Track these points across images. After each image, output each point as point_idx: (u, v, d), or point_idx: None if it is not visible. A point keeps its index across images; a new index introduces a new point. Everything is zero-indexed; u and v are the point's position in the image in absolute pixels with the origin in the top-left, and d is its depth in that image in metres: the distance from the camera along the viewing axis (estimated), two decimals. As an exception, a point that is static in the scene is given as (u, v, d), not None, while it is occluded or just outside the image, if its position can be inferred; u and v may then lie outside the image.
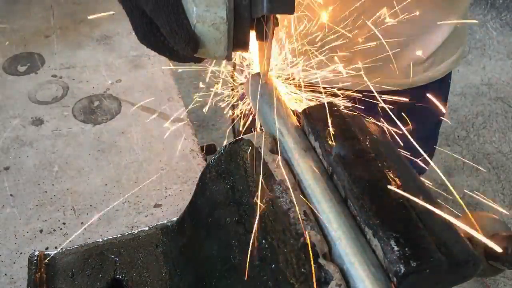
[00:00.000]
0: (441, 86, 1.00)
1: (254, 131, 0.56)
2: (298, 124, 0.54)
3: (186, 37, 0.48)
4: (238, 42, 0.51)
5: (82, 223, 0.82)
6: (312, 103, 0.66)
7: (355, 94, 0.85)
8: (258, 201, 0.48)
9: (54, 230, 0.80)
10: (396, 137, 0.67)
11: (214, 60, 0.72)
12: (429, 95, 0.93)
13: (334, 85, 0.85)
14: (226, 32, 0.49)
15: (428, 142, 1.12)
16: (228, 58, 0.52)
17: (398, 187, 0.44)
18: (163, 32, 0.49)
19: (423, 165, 0.73)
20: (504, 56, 2.92)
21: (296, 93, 0.68)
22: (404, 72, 0.91)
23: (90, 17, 1.34)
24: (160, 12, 0.47)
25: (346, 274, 0.40)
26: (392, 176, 0.45)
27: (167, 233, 0.60)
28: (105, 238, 0.61)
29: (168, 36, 0.49)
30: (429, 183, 0.51)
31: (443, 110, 0.92)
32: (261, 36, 0.53)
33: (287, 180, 0.48)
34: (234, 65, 0.86)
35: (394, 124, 0.81)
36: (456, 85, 2.74)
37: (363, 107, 0.96)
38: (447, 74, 0.99)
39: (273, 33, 0.52)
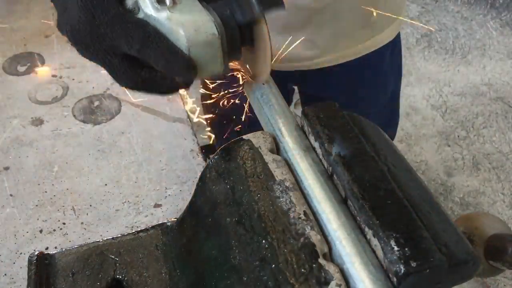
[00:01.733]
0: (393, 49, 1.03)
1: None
2: (298, 124, 0.54)
3: (185, 63, 0.46)
4: (233, 52, 0.51)
5: (82, 223, 0.82)
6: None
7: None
8: (258, 201, 0.48)
9: (54, 230, 0.80)
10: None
11: None
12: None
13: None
14: (220, 47, 0.49)
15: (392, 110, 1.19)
16: (226, 71, 0.51)
17: (398, 187, 0.44)
18: (158, 66, 0.46)
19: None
20: (504, 56, 2.92)
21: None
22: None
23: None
24: (150, 49, 0.45)
25: (346, 274, 0.40)
26: (392, 176, 0.45)
27: (167, 233, 0.60)
28: (105, 238, 0.61)
29: (164, 69, 0.46)
30: (430, 182, 0.51)
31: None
32: (251, 39, 0.53)
33: (287, 180, 0.48)
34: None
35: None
36: (456, 85, 2.74)
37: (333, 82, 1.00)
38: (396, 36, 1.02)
39: (268, 32, 0.51)
